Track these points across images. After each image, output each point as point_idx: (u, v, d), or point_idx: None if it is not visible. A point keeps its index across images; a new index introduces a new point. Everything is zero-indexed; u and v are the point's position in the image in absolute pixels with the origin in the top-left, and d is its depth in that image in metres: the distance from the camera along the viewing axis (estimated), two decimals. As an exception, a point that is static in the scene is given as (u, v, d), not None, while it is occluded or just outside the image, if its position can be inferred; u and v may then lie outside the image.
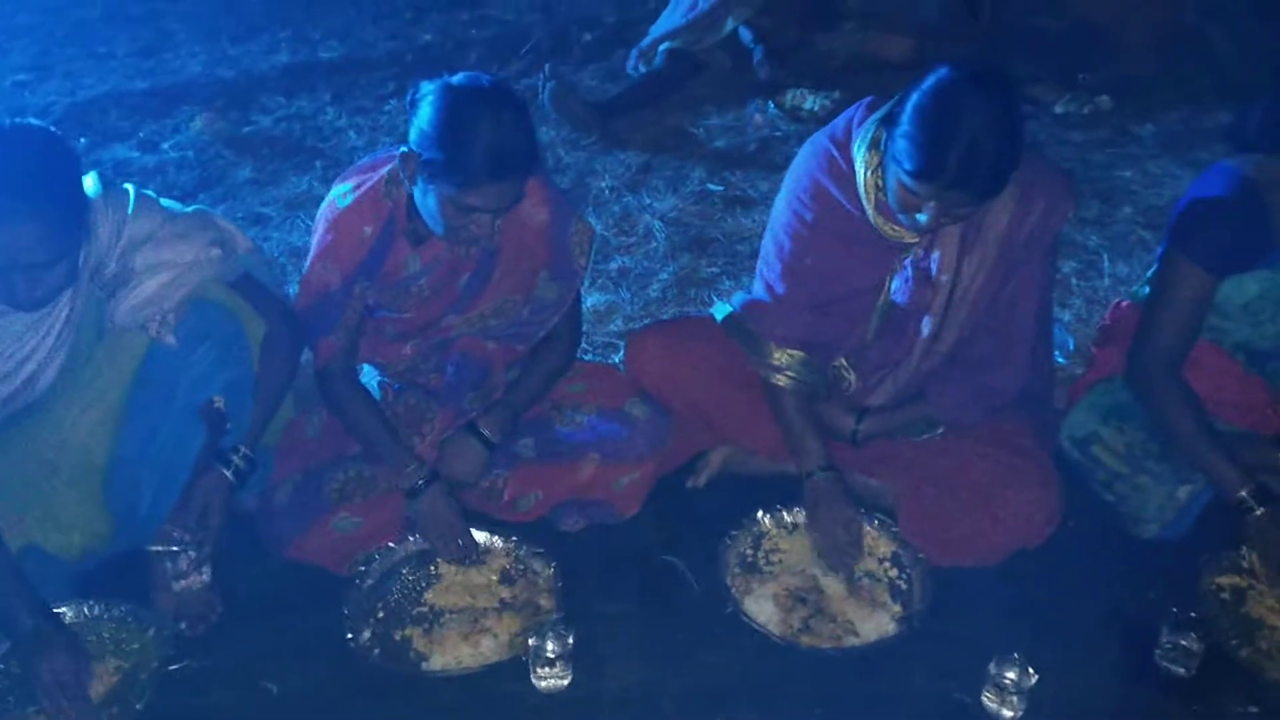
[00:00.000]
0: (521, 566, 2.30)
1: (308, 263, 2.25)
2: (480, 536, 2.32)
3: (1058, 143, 4.22)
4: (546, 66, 4.50)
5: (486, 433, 2.32)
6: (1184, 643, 2.07)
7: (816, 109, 4.41)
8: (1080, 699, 2.06)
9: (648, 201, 3.85)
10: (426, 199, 2.09)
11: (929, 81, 1.98)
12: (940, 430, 2.40)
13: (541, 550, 2.30)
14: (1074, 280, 3.35)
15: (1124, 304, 2.62)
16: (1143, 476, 2.33)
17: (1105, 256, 3.45)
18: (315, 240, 2.25)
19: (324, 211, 2.24)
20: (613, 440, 2.37)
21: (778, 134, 4.34)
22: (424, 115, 2.02)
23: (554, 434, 2.40)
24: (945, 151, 1.92)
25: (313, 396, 2.44)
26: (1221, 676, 2.08)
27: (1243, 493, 2.19)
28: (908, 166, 1.98)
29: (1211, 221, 2.21)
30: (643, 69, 4.64)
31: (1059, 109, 4.38)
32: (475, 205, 2.03)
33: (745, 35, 4.64)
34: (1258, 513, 2.18)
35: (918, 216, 2.04)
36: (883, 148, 2.08)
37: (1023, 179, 2.12)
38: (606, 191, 3.92)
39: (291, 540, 2.27)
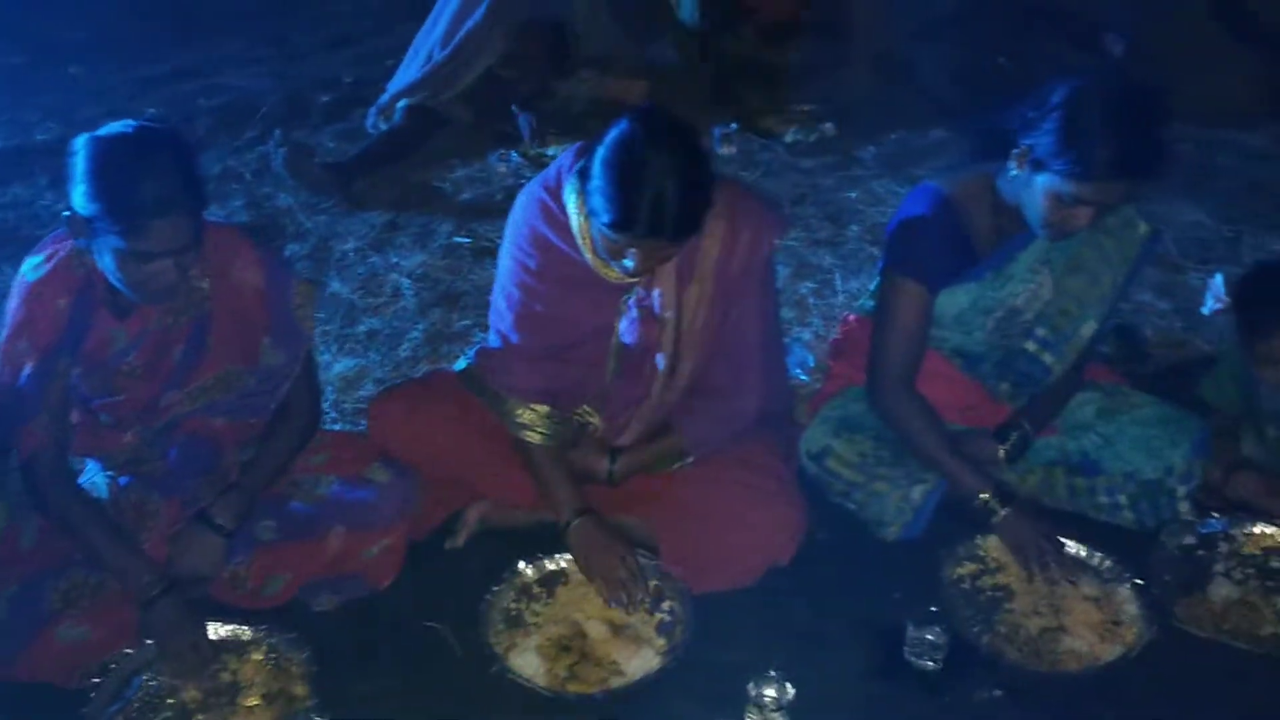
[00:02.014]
0: (274, 655, 2.19)
1: (0, 345, 2.10)
2: (225, 630, 2.20)
3: (790, 170, 4.41)
4: (277, 132, 4.38)
5: (220, 521, 2.20)
6: (929, 636, 2.16)
7: (559, 155, 4.46)
8: (837, 706, 2.12)
9: (395, 260, 3.80)
10: (104, 259, 1.99)
11: (611, 135, 2.04)
12: (690, 460, 2.44)
13: (294, 635, 2.20)
14: (811, 299, 3.49)
15: (852, 318, 2.75)
16: (877, 483, 2.44)
17: (838, 275, 3.62)
18: (7, 318, 2.10)
19: (15, 286, 2.11)
20: (357, 509, 2.30)
21: (523, 182, 4.32)
22: (77, 172, 1.94)
23: (294, 511, 2.30)
24: (635, 204, 1.98)
25: (28, 501, 2.26)
26: (967, 664, 2.18)
27: (985, 495, 2.33)
28: (604, 219, 2.03)
29: (919, 239, 2.36)
30: (383, 126, 4.58)
31: (788, 138, 4.59)
32: (148, 249, 1.94)
33: None
34: (1002, 514, 2.32)
35: (624, 262, 2.09)
36: (583, 198, 2.12)
37: (727, 211, 2.20)
38: (351, 253, 3.84)
39: (12, 658, 2.09)
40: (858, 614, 2.33)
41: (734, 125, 4.61)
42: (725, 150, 4.50)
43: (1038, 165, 2.16)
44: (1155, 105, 2.14)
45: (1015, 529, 2.33)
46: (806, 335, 3.31)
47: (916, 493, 2.43)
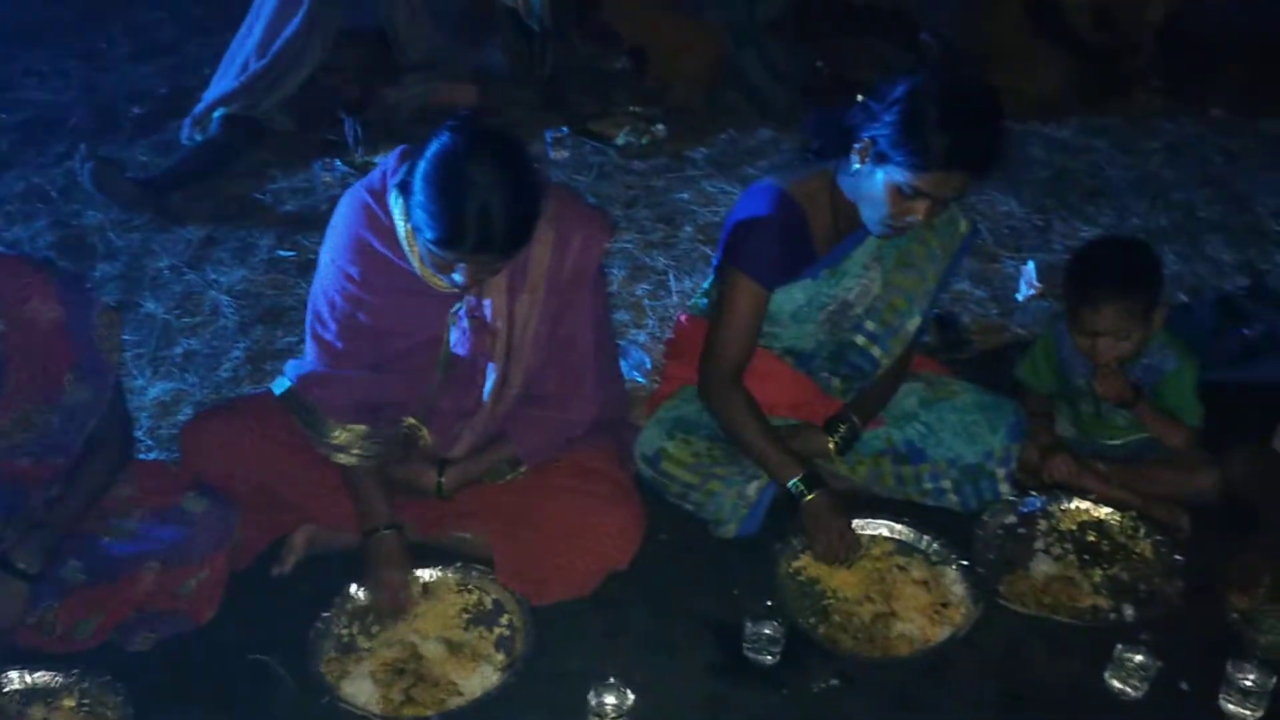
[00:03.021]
0: (88, 701, 2.07)
1: None
2: (32, 678, 2.07)
3: (623, 172, 4.40)
4: (82, 146, 4.15)
5: (22, 565, 2.06)
6: (766, 631, 2.18)
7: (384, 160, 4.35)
8: (678, 708, 2.12)
9: (213, 276, 3.64)
10: None
11: (432, 149, 1.97)
12: (524, 469, 2.41)
13: (108, 678, 2.08)
14: (646, 301, 3.49)
15: (684, 318, 2.75)
16: (712, 482, 2.46)
17: (672, 275, 3.63)
18: None
19: None
20: (171, 542, 2.18)
21: (349, 192, 4.24)
22: None
23: (103, 549, 2.17)
24: (460, 220, 1.93)
25: None
26: (804, 656, 2.21)
27: (795, 480, 2.36)
28: (429, 236, 1.97)
29: (758, 237, 2.36)
30: (198, 138, 4.39)
31: (620, 141, 4.58)
32: None
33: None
34: (809, 497, 2.35)
35: (454, 276, 2.04)
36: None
37: (556, 219, 2.17)
38: (166, 271, 3.66)
39: None
40: (697, 614, 2.33)
41: (565, 129, 4.59)
42: (557, 154, 4.47)
43: (880, 158, 2.19)
44: (992, 101, 2.20)
45: (816, 514, 2.36)
46: (642, 337, 3.30)
47: (751, 489, 2.45)
